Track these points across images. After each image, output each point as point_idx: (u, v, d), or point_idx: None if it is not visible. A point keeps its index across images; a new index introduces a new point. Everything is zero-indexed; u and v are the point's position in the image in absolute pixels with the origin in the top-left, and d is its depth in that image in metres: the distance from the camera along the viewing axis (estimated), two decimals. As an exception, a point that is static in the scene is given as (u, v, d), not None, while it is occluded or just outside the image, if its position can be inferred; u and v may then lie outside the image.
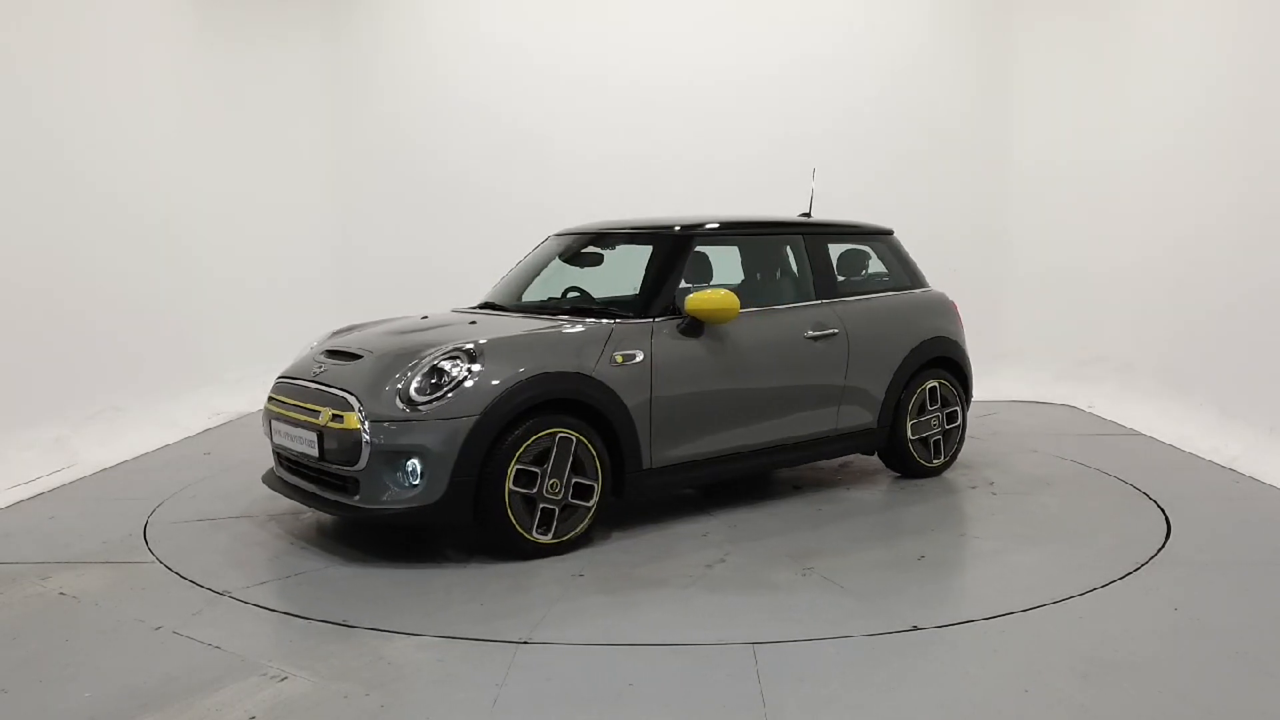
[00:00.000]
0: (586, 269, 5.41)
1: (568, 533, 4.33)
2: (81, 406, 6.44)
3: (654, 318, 4.72)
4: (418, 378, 4.14)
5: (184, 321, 7.81)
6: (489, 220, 8.86)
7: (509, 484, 4.13)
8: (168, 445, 6.71)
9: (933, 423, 5.69)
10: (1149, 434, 6.89)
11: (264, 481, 4.85)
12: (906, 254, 5.96)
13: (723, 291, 4.69)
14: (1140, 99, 7.97)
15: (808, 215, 5.92)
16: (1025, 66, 8.83)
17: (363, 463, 4.10)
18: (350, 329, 5.17)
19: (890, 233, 5.97)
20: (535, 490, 4.21)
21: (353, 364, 4.42)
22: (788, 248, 5.54)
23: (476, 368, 4.16)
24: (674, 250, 4.96)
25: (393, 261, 8.98)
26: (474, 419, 4.06)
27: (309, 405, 4.37)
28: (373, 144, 9.07)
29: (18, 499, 5.26)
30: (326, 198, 9.06)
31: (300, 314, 8.33)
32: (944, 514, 5.06)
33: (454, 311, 5.35)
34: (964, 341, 5.94)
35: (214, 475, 5.83)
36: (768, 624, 3.56)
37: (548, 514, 4.26)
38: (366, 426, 4.09)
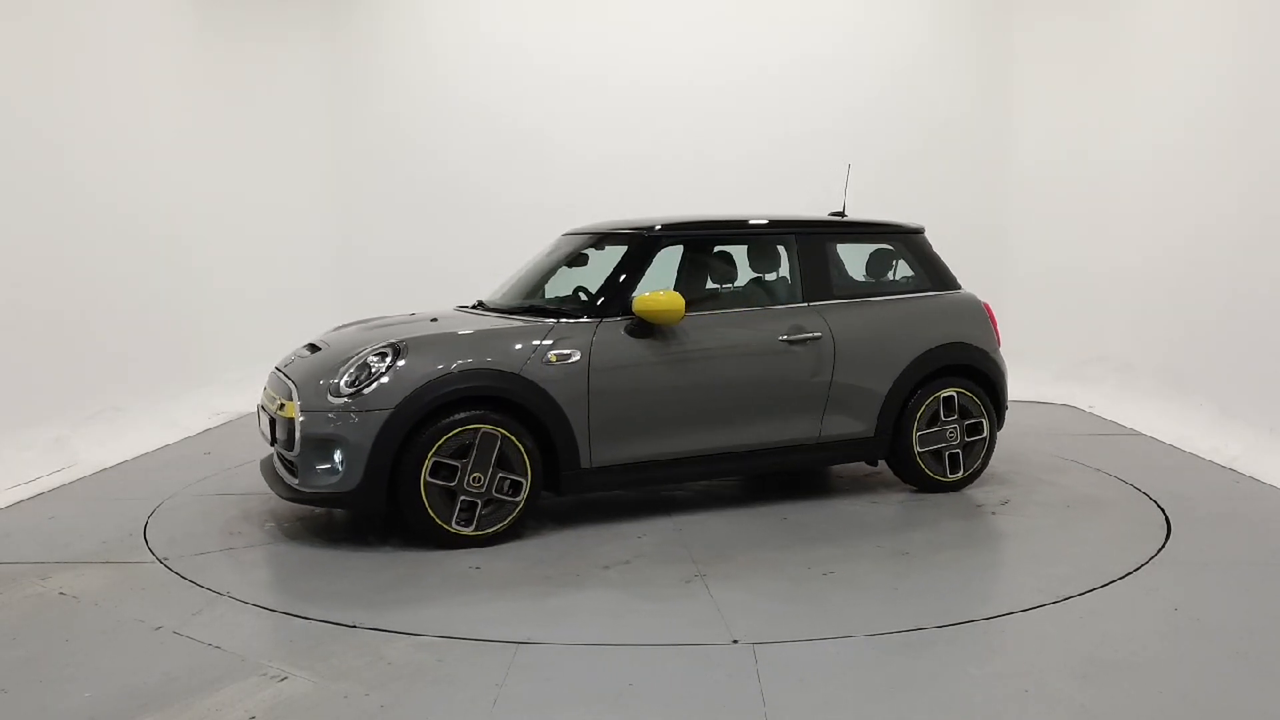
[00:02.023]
0: (580, 268, 5.39)
1: (491, 527, 4.44)
2: (81, 406, 6.43)
3: (600, 318, 4.75)
4: (348, 372, 4.41)
5: (184, 321, 7.81)
6: (489, 220, 8.87)
7: (425, 476, 4.30)
8: (168, 445, 6.70)
9: (948, 434, 5.32)
10: (1149, 434, 6.89)
11: (260, 467, 5.02)
12: (931, 254, 5.61)
13: (669, 293, 4.67)
14: (1140, 99, 7.97)
15: (841, 214, 5.75)
16: (1025, 67, 8.84)
17: (297, 449, 4.39)
18: (347, 325, 5.36)
19: (914, 232, 5.62)
20: (455, 483, 4.35)
21: (312, 356, 4.72)
22: (777, 249, 5.37)
23: (400, 363, 4.37)
24: (635, 251, 4.97)
25: (393, 261, 8.98)
26: (388, 412, 4.27)
27: (272, 394, 4.73)
28: (373, 144, 9.08)
29: (18, 499, 5.26)
30: (326, 198, 9.06)
31: (300, 314, 8.32)
32: (919, 526, 4.78)
33: (456, 309, 5.38)
34: (994, 348, 5.50)
35: (214, 475, 5.83)
36: (602, 626, 3.57)
37: (470, 507, 4.39)
38: (301, 415, 4.38)
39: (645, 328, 4.75)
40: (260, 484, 5.16)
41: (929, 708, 2.93)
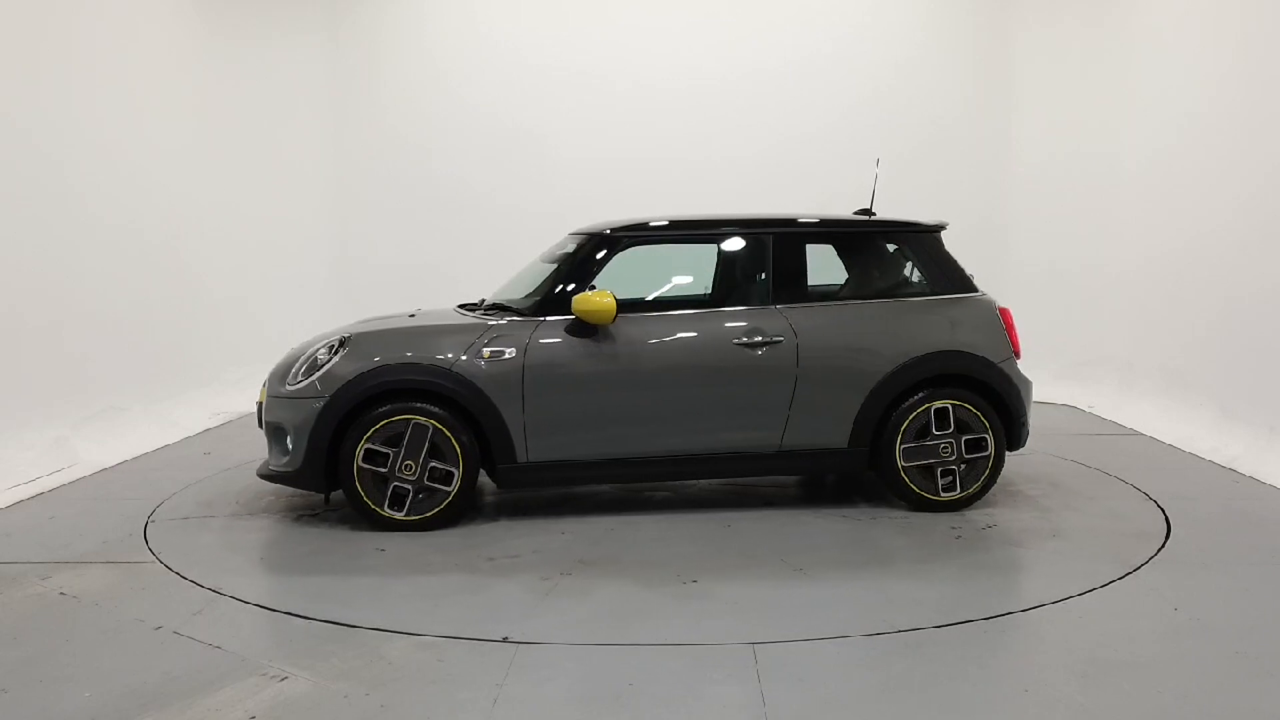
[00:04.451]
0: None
1: (424, 513, 4.66)
2: (81, 406, 6.43)
3: (544, 317, 4.81)
4: (304, 363, 4.78)
5: (183, 322, 7.81)
6: (489, 221, 8.88)
7: (358, 461, 4.59)
8: (168, 445, 6.70)
9: (942, 449, 4.91)
10: (1149, 434, 6.89)
11: None
12: (942, 256, 5.22)
13: (602, 293, 4.68)
14: (1141, 99, 7.97)
15: (870, 212, 5.58)
16: (1025, 66, 8.84)
17: (264, 432, 4.85)
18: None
19: (923, 231, 5.25)
20: (387, 470, 4.61)
21: (294, 349, 5.06)
22: (755, 249, 5.11)
23: (340, 356, 4.69)
24: (586, 251, 4.98)
25: (393, 260, 8.98)
26: (324, 400, 4.61)
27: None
28: (372, 145, 9.07)
29: (18, 499, 5.26)
30: (326, 198, 9.06)
31: (300, 314, 8.35)
32: (859, 543, 4.50)
33: (456, 308, 5.38)
34: (1003, 358, 5.03)
35: (214, 475, 5.83)
36: (408, 612, 3.68)
37: (403, 493, 4.63)
38: (265, 402, 4.85)
39: (585, 328, 4.77)
40: (259, 483, 5.25)
41: (929, 708, 2.93)
